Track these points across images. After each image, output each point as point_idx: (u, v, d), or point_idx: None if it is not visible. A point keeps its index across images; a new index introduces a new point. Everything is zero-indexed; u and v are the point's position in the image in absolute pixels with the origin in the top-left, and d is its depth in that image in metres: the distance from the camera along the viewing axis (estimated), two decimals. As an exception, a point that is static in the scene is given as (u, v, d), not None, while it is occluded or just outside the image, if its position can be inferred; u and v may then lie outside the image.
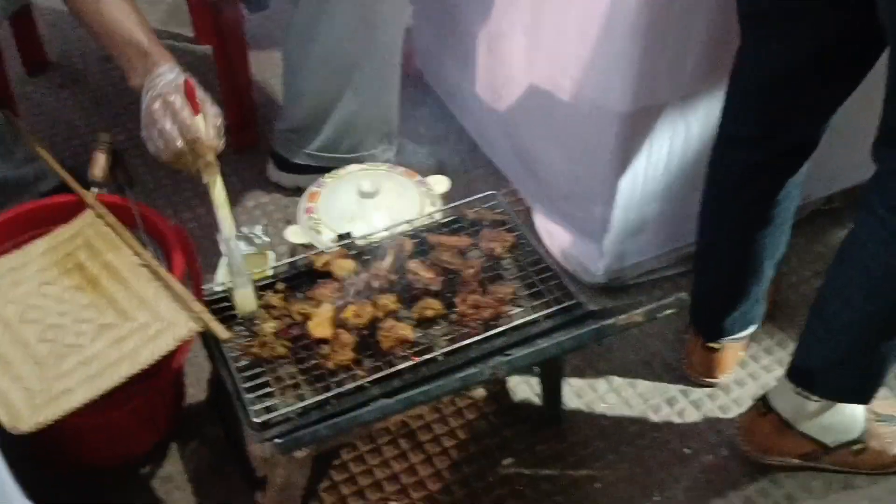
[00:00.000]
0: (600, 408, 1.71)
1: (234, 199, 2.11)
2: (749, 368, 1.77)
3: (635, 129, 1.65)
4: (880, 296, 1.37)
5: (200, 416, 1.68)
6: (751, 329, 1.72)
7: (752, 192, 1.52)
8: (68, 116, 2.34)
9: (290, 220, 1.87)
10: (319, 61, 1.89)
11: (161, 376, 1.46)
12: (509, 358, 1.21)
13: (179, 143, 1.39)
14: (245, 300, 1.46)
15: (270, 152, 2.12)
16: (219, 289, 1.72)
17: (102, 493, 1.59)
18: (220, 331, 1.37)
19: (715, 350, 1.70)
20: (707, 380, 1.74)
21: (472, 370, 1.20)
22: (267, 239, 1.85)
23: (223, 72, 2.17)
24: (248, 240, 1.85)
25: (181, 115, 1.38)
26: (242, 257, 1.48)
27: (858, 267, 1.39)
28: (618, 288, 1.90)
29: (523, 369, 1.69)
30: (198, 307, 1.39)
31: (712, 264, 1.64)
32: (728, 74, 1.49)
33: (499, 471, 1.62)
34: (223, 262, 1.82)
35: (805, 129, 1.47)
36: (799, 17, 1.33)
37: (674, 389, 1.74)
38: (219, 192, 1.47)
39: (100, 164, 1.60)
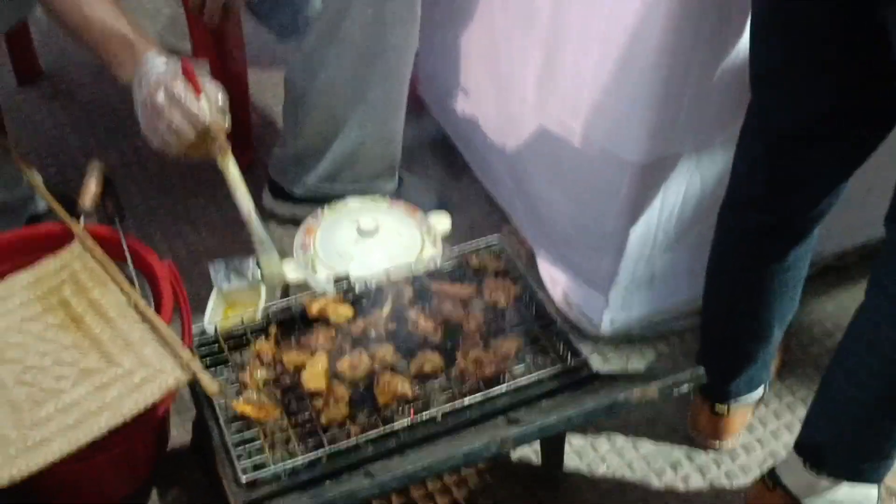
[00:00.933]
0: (601, 470, 1.64)
1: (226, 227, 2.04)
2: (757, 433, 1.71)
3: (648, 179, 1.59)
4: (887, 375, 1.31)
5: (182, 459, 1.60)
6: (758, 392, 1.66)
7: (761, 256, 1.46)
8: (59, 131, 2.26)
9: (285, 253, 1.80)
10: (324, 90, 1.82)
11: (144, 424, 1.38)
12: (515, 433, 1.14)
13: (192, 134, 1.33)
14: (272, 269, 1.49)
15: (267, 180, 2.05)
16: (209, 329, 1.65)
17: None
18: (209, 384, 1.29)
19: (721, 413, 1.64)
20: (713, 442, 1.67)
21: (476, 444, 1.13)
22: (259, 272, 1.77)
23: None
24: (240, 274, 1.77)
25: (187, 104, 1.32)
26: (266, 229, 1.49)
27: (865, 344, 1.33)
28: (622, 340, 1.83)
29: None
30: (186, 355, 1.31)
31: (718, 327, 1.58)
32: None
33: (494, 534, 1.55)
34: (212, 299, 1.75)
35: (817, 193, 1.40)
36: (812, 75, 1.26)
37: (678, 452, 1.67)
38: (233, 172, 1.44)
39: (90, 193, 1.52)
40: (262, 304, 1.77)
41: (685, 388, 1.22)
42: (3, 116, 2.09)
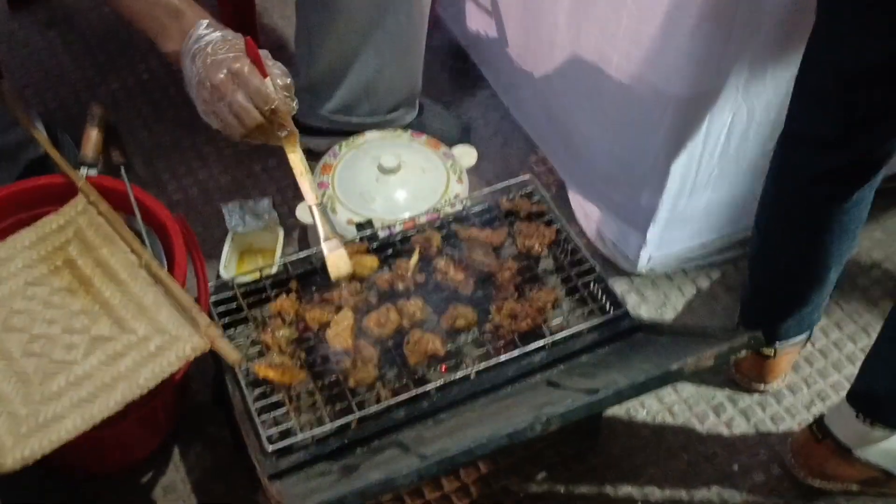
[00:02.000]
0: (641, 416, 1.57)
1: (238, 160, 1.94)
2: (802, 372, 1.63)
3: (693, 113, 1.47)
4: None
5: (204, 412, 1.54)
6: (807, 334, 1.57)
7: (823, 196, 1.34)
8: (57, 61, 2.13)
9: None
10: (337, 16, 1.69)
11: (163, 390, 1.30)
12: (563, 411, 1.06)
13: (258, 117, 1.21)
14: (339, 263, 1.34)
15: (279, 110, 1.92)
16: (225, 275, 1.56)
17: (102, 500, 1.46)
18: (230, 352, 1.21)
19: (767, 355, 1.55)
20: (757, 385, 1.59)
21: (520, 425, 1.04)
22: (275, 213, 1.69)
23: (222, 7, 1.95)
24: (256, 214, 1.68)
25: (253, 83, 1.19)
26: (332, 223, 1.35)
27: None
28: (660, 276, 1.74)
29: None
30: (204, 321, 1.23)
31: (770, 267, 1.47)
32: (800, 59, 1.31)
33: (530, 487, 1.48)
34: (228, 244, 1.66)
35: (887, 136, 1.27)
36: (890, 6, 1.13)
37: (721, 395, 1.60)
38: (300, 160, 1.31)
39: (92, 142, 1.43)
40: (280, 247, 1.69)
41: (743, 353, 1.13)
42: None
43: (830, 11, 1.19)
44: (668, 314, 1.70)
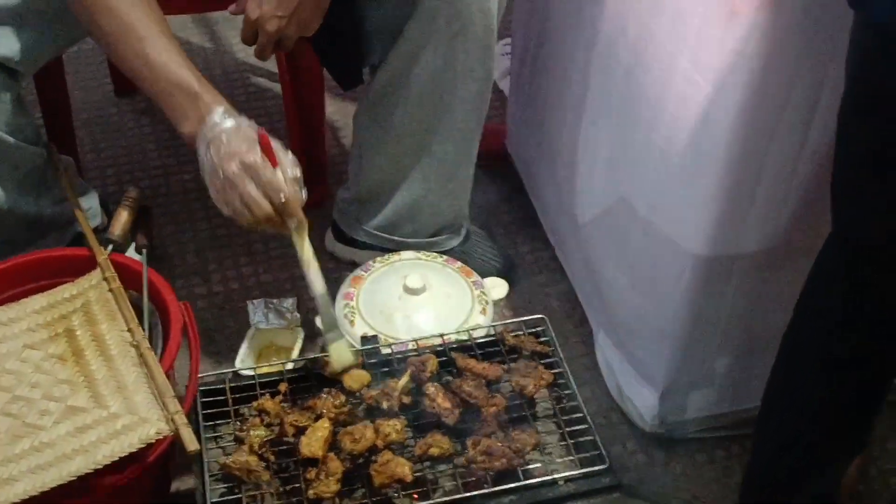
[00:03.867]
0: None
1: (283, 263, 1.98)
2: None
3: (714, 273, 1.43)
4: None
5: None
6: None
7: (833, 388, 1.27)
8: (142, 146, 2.25)
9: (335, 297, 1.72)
10: (388, 139, 1.74)
11: (129, 472, 1.31)
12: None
13: (268, 209, 1.26)
14: (340, 355, 1.37)
15: (332, 220, 1.97)
16: (245, 372, 1.58)
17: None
18: (189, 440, 1.22)
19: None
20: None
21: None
22: (297, 315, 1.71)
23: (293, 115, 2.00)
24: (278, 313, 1.72)
25: (265, 175, 1.24)
26: (335, 315, 1.40)
27: None
28: (676, 440, 1.67)
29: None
30: (173, 407, 1.24)
31: (773, 451, 1.38)
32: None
33: None
34: (248, 338, 1.69)
35: None
36: None
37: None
38: (307, 249, 1.35)
39: (121, 222, 1.49)
40: (297, 348, 1.71)
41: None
42: (75, 139, 2.08)
43: (842, 186, 1.16)
44: (673, 479, 1.61)
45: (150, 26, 1.35)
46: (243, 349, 1.69)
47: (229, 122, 1.28)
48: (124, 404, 1.26)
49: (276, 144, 1.29)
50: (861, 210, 1.15)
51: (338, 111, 2.34)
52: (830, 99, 1.22)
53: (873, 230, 1.14)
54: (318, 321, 1.46)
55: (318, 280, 1.36)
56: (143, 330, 1.37)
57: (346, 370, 1.37)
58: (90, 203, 1.76)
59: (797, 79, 1.23)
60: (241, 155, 1.25)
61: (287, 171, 1.27)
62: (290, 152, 1.31)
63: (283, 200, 1.26)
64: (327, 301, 1.37)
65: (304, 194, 1.32)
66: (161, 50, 1.34)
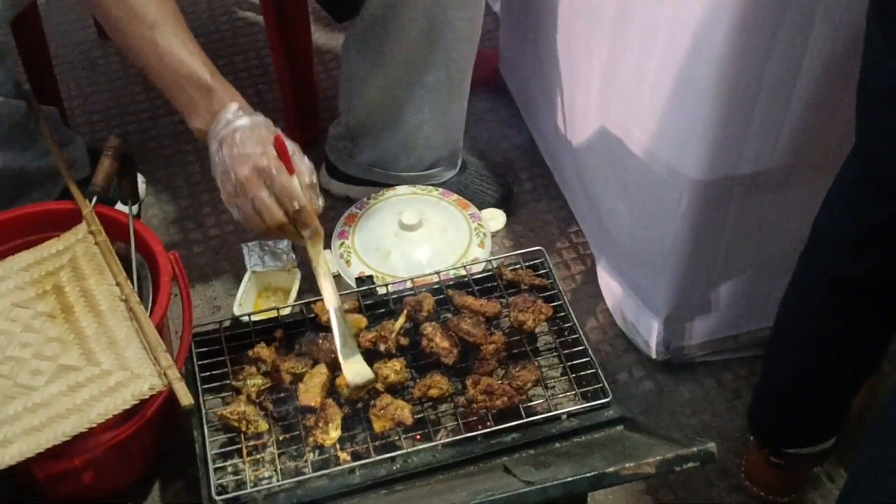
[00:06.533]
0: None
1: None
2: (822, 489, 1.50)
3: (714, 198, 1.39)
4: None
5: (188, 452, 1.53)
6: (827, 443, 1.45)
7: (848, 311, 1.24)
8: (129, 89, 2.20)
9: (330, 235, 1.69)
10: (379, 70, 1.68)
11: (128, 427, 1.30)
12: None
13: (281, 217, 1.18)
14: (356, 371, 1.25)
15: (325, 155, 1.93)
16: (238, 313, 1.56)
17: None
18: (183, 394, 1.20)
19: (780, 466, 1.44)
20: (770, 498, 1.47)
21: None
22: (293, 255, 1.68)
23: (279, 48, 1.90)
24: (274, 255, 1.69)
25: (279, 182, 1.16)
26: (349, 328, 1.28)
27: None
28: (683, 364, 1.64)
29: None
30: (165, 361, 1.22)
31: (786, 374, 1.36)
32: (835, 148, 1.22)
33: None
34: (244, 283, 1.67)
35: None
36: None
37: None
38: (322, 261, 1.26)
39: (104, 172, 1.45)
40: (295, 289, 1.68)
41: (689, 465, 1.05)
42: (59, 75, 2.03)
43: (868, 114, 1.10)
44: (682, 406, 1.60)
45: (162, 13, 1.24)
46: (240, 293, 1.67)
47: (243, 121, 1.19)
48: (116, 360, 1.24)
49: (292, 148, 1.21)
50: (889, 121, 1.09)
51: (328, 42, 2.28)
52: (826, 19, 1.17)
53: None
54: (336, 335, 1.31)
55: (333, 294, 1.26)
56: (132, 283, 1.34)
57: (362, 387, 1.27)
58: (76, 153, 1.71)
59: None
60: (255, 158, 1.16)
61: (304, 178, 1.20)
62: (306, 157, 1.23)
63: (297, 209, 1.19)
64: (342, 315, 1.26)
65: (320, 202, 1.23)
66: (172, 38, 1.24)
